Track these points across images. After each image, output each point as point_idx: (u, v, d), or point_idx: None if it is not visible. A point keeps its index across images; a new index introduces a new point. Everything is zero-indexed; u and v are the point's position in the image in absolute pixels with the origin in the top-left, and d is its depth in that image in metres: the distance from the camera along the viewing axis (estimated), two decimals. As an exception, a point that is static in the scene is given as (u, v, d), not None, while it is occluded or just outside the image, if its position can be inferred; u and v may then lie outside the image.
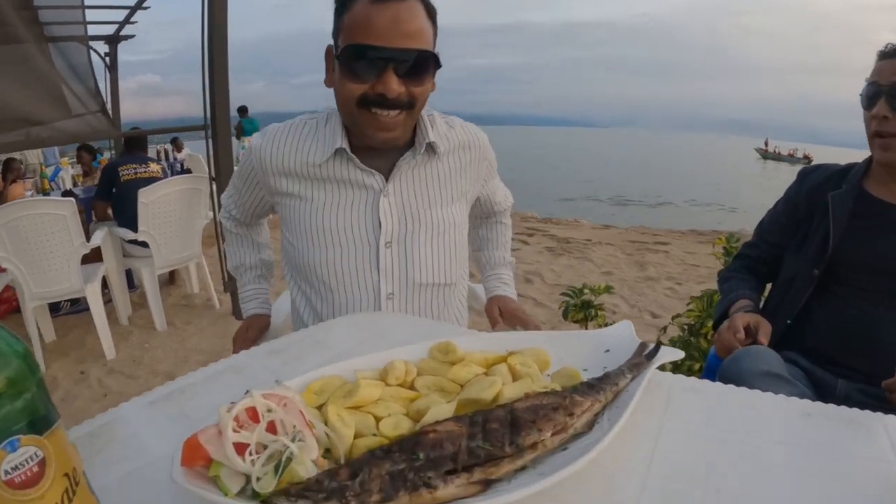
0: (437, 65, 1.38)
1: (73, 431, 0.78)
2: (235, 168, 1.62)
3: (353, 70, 1.32)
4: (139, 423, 0.84)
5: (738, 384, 1.30)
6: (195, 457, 0.61)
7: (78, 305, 5.23)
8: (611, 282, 5.57)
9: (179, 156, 11.68)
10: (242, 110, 13.56)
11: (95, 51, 6.51)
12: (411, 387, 0.86)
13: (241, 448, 0.59)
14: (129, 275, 5.45)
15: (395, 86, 1.31)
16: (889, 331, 1.62)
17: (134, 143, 5.55)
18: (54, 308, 4.99)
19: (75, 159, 9.59)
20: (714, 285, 2.96)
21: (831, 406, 0.88)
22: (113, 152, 10.00)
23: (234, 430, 0.60)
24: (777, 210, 1.98)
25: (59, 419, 0.50)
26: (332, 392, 0.80)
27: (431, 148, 1.51)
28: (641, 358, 0.91)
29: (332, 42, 1.41)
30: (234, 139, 11.71)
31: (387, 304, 1.49)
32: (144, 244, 4.74)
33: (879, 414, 0.85)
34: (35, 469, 0.46)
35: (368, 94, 1.33)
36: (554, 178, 29.77)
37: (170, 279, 6.10)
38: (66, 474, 0.49)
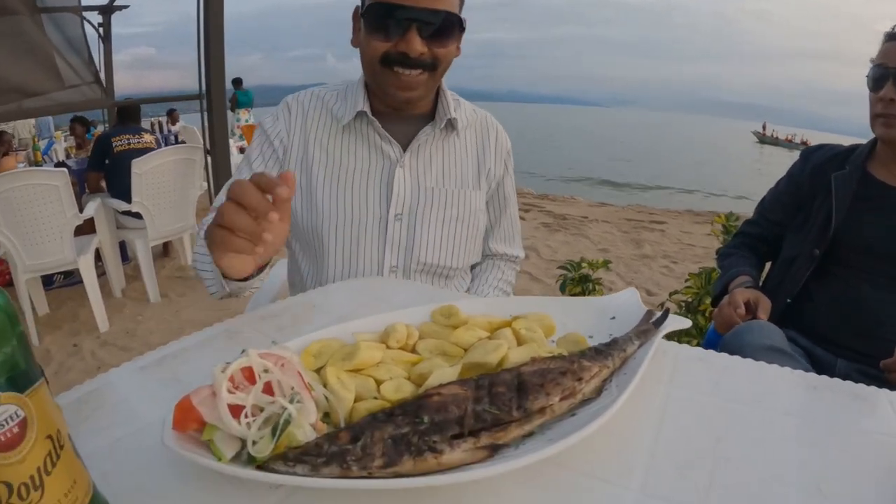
0: (461, 28, 1.38)
1: (60, 398, 0.75)
2: (245, 153, 1.53)
3: (377, 28, 1.33)
4: (129, 389, 0.81)
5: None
6: (187, 419, 0.58)
7: (71, 278, 5.19)
8: (607, 258, 5.58)
9: (174, 128, 11.58)
10: (237, 82, 13.45)
11: (89, 21, 6.41)
12: (413, 350, 0.83)
13: (236, 410, 0.57)
14: (123, 247, 5.41)
15: (417, 45, 1.31)
16: (888, 312, 1.64)
17: (127, 114, 5.48)
18: (47, 281, 4.96)
19: (69, 132, 9.50)
20: (711, 264, 2.94)
21: (836, 380, 0.87)
22: (106, 125, 9.90)
23: (229, 392, 0.57)
24: (779, 188, 1.97)
25: (43, 378, 0.47)
26: (331, 355, 0.77)
27: (451, 124, 1.51)
28: (649, 325, 0.88)
29: (358, 2, 1.42)
30: (228, 111, 11.58)
31: (388, 276, 1.47)
32: (138, 215, 4.70)
33: (885, 390, 0.84)
34: (15, 430, 0.43)
35: (391, 53, 1.34)
36: (552, 156, 29.69)
37: (164, 251, 6.08)
38: (50, 436, 0.46)
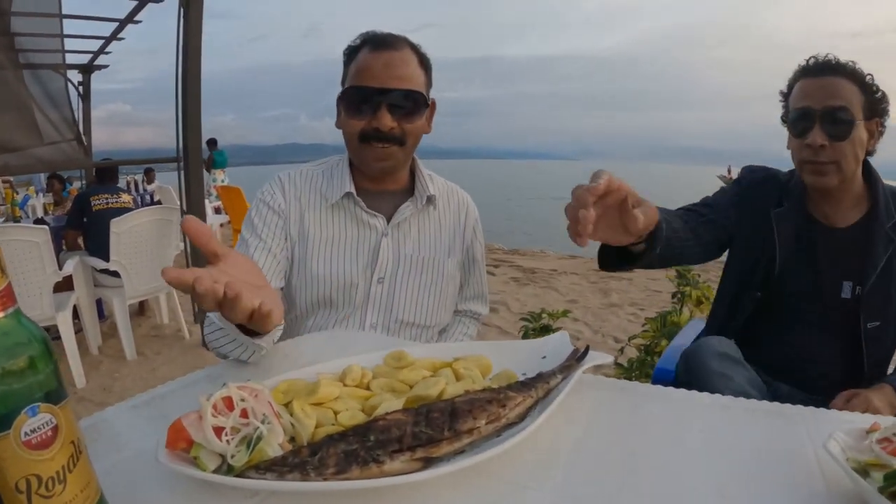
0: (427, 105, 1.60)
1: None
2: (247, 224, 1.63)
3: (353, 108, 1.56)
4: (122, 424, 0.93)
5: (699, 366, 1.47)
6: (178, 439, 0.71)
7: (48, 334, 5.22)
8: (575, 309, 5.72)
9: (150, 187, 11.66)
10: (212, 142, 13.57)
11: (69, 80, 6.57)
12: (367, 388, 0.96)
13: (218, 431, 0.70)
14: (99, 304, 5.46)
15: (387, 121, 1.53)
16: (820, 351, 1.70)
17: (105, 174, 5.61)
18: (24, 337, 4.97)
19: (44, 187, 9.57)
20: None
21: (752, 401, 0.98)
22: (84, 182, 9.99)
23: (213, 416, 0.70)
24: (720, 193, 1.88)
25: (68, 397, 0.60)
26: (297, 391, 0.90)
27: (430, 201, 1.70)
28: (572, 361, 1.02)
29: (341, 89, 1.62)
30: (204, 171, 11.70)
31: (368, 332, 1.63)
32: (115, 274, 4.78)
33: (800, 406, 0.94)
34: (48, 433, 0.56)
35: (366, 129, 1.55)
36: (522, 210, 30.00)
37: (140, 310, 6.12)
38: (73, 442, 0.59)
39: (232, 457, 0.69)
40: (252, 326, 0.98)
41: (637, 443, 0.85)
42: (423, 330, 1.70)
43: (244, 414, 0.73)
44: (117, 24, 6.94)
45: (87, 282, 4.96)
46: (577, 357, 1.03)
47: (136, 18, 6.70)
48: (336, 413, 0.85)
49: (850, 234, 1.68)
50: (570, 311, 3.37)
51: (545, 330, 3.19)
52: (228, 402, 0.73)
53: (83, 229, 5.23)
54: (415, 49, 1.60)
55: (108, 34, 7.47)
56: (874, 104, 1.62)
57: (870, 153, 1.67)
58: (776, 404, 0.96)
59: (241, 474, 0.69)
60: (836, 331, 1.70)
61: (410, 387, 0.95)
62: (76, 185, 10.07)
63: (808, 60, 1.67)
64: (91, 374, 4.56)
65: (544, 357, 1.09)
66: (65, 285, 4.54)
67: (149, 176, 13.24)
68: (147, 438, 0.83)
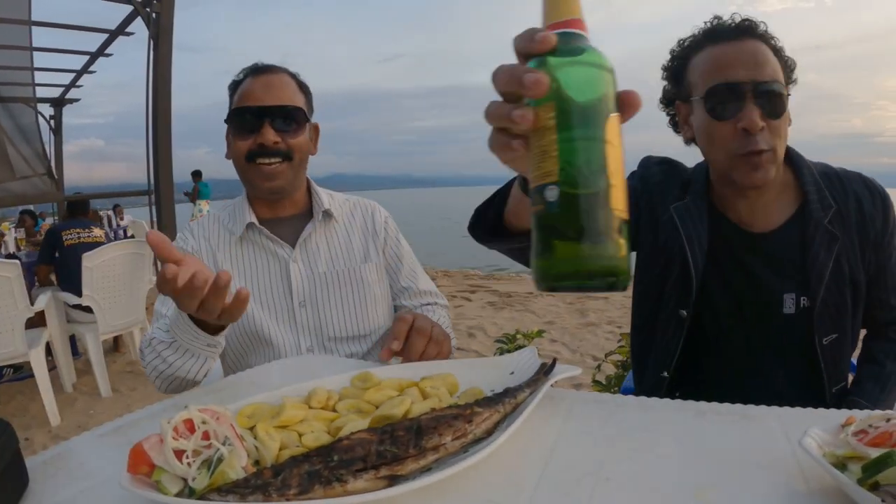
0: (307, 120, 1.66)
1: (28, 461, 0.86)
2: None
3: (239, 130, 1.62)
4: (88, 453, 0.92)
5: None
6: (139, 462, 0.71)
7: (21, 373, 5.14)
8: (552, 330, 5.73)
9: (122, 222, 11.57)
10: (197, 174, 13.52)
11: (40, 113, 6.56)
12: (333, 409, 0.97)
13: (179, 454, 0.70)
14: (73, 341, 5.38)
15: (271, 136, 1.58)
16: (779, 383, 1.43)
17: (77, 208, 5.57)
18: (-5, 375, 4.90)
19: (16, 223, 9.46)
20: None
21: (726, 404, 0.97)
22: (56, 217, 9.91)
23: (173, 438, 0.70)
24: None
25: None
26: (262, 415, 0.90)
27: (328, 214, 1.73)
28: (540, 375, 1.02)
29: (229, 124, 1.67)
30: (189, 203, 11.66)
31: (337, 357, 1.63)
32: (88, 310, 4.71)
33: (774, 407, 0.94)
34: None
35: (252, 148, 1.60)
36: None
37: (114, 346, 6.03)
38: None
39: (193, 479, 0.69)
40: (215, 320, 1.13)
41: (608, 452, 0.84)
42: (359, 340, 1.70)
43: (206, 436, 0.72)
44: (88, 57, 6.93)
45: (60, 317, 4.90)
46: (545, 371, 1.03)
47: (107, 52, 6.70)
48: (301, 435, 0.86)
49: (781, 239, 1.41)
50: (545, 332, 3.37)
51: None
52: (190, 425, 0.73)
53: (55, 264, 5.18)
54: (293, 75, 1.69)
55: (79, 67, 7.46)
56: (789, 73, 1.38)
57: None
58: (750, 406, 0.95)
59: (203, 497, 0.68)
60: (785, 351, 1.42)
61: (377, 407, 0.95)
62: (48, 221, 9.97)
63: (712, 22, 1.36)
64: (65, 412, 4.49)
65: (512, 373, 1.09)
66: (37, 321, 4.48)
67: (118, 212, 13.15)
68: (114, 466, 0.82)
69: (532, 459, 0.83)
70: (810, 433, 0.74)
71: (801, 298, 1.38)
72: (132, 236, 7.95)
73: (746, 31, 1.33)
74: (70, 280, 4.82)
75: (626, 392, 1.81)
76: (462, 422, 0.84)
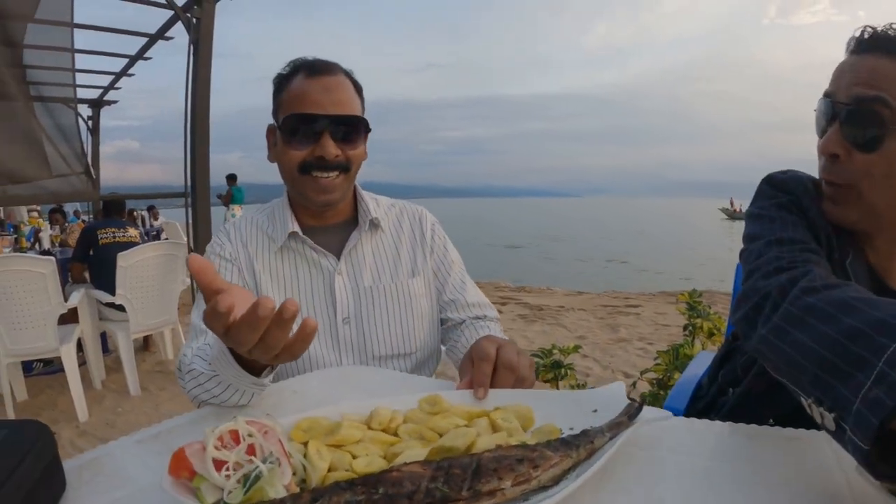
0: (367, 129, 1.54)
1: (63, 464, 0.83)
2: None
3: (293, 138, 1.47)
4: (126, 458, 0.90)
5: None
6: (180, 467, 0.69)
7: (51, 367, 5.21)
8: (584, 345, 5.66)
9: (156, 223, 11.71)
10: (231, 178, 13.51)
11: (79, 114, 6.65)
12: (395, 433, 0.91)
13: (219, 464, 0.67)
14: (104, 339, 5.43)
15: (332, 149, 1.45)
16: None
17: (113, 208, 5.62)
18: (26, 368, 4.97)
19: (48, 220, 9.62)
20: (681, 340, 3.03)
21: (777, 428, 0.93)
22: (90, 216, 10.06)
23: (216, 448, 0.68)
24: (785, 221, 1.19)
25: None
26: (318, 431, 0.87)
27: (374, 224, 1.63)
28: (623, 418, 0.90)
29: (271, 121, 1.56)
30: (223, 206, 11.77)
31: (382, 369, 1.55)
32: (121, 308, 4.76)
33: (823, 432, 0.88)
34: None
35: (308, 160, 1.47)
36: (528, 248, 30.13)
37: (144, 345, 6.08)
38: None
39: (228, 493, 0.67)
40: (269, 360, 0.89)
41: (661, 474, 0.81)
42: (403, 359, 1.62)
43: (251, 450, 0.70)
44: (128, 60, 7.02)
45: (93, 314, 4.95)
46: (630, 413, 0.92)
47: (146, 55, 6.78)
48: (354, 457, 0.82)
49: None
50: (580, 347, 3.31)
51: (556, 366, 3.14)
52: (235, 436, 0.70)
53: (89, 262, 5.23)
54: (348, 74, 1.55)
55: (118, 70, 7.57)
56: None
57: None
58: (801, 430, 0.91)
59: (234, 513, 0.66)
60: None
61: (440, 435, 0.89)
62: (81, 219, 10.13)
63: (863, 30, 1.13)
64: (94, 408, 4.52)
65: (595, 410, 0.98)
66: (69, 318, 4.52)
67: (153, 213, 13.25)
68: (153, 474, 0.80)
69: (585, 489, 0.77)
70: None
71: None
72: (166, 237, 8.03)
73: (875, 43, 1.10)
74: (103, 278, 4.87)
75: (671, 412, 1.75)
76: (527, 466, 0.76)
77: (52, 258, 4.20)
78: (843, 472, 0.79)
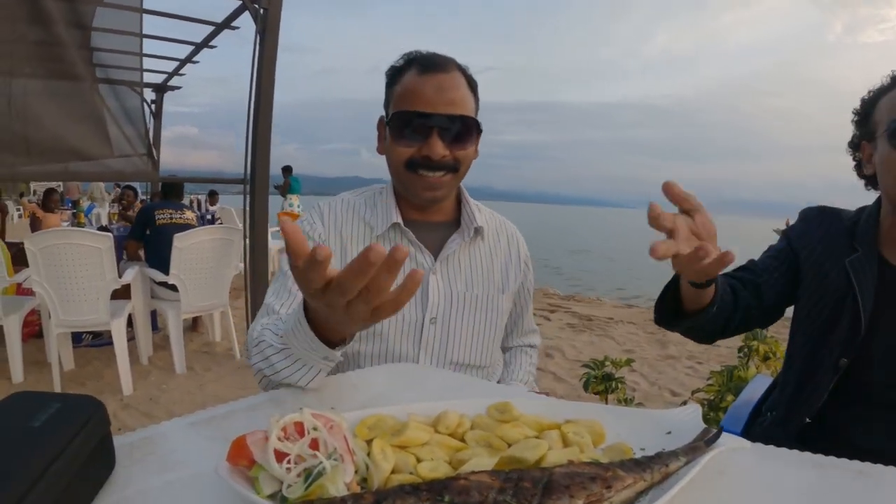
0: (479, 131, 1.50)
1: (115, 440, 0.81)
2: (283, 266, 1.53)
3: (402, 134, 1.46)
4: (178, 440, 0.87)
5: None
6: (240, 455, 0.66)
7: (99, 339, 5.34)
8: (631, 359, 5.56)
9: (212, 208, 11.92)
10: (288, 169, 13.66)
11: (143, 98, 6.78)
12: (462, 438, 0.87)
13: (281, 456, 0.64)
14: (153, 317, 5.53)
15: (439, 149, 1.43)
16: None
17: (171, 190, 5.73)
18: (75, 339, 5.11)
19: (117, 196, 9.85)
20: (735, 362, 2.94)
21: (843, 459, 0.88)
22: (147, 197, 10.29)
23: (279, 439, 0.64)
24: (773, 246, 1.71)
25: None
26: (384, 429, 0.83)
27: (478, 233, 1.61)
28: (700, 443, 0.86)
29: (383, 113, 1.55)
30: (280, 196, 11.97)
31: (443, 370, 1.53)
32: (173, 288, 4.86)
33: (891, 467, 0.86)
34: None
35: (415, 157, 1.46)
36: (580, 258, 29.94)
37: (193, 325, 6.20)
38: None
39: (288, 486, 0.63)
40: (367, 316, 0.85)
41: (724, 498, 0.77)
42: (477, 370, 1.61)
43: (314, 444, 0.66)
44: (193, 47, 7.13)
45: (145, 292, 5.06)
46: (707, 439, 0.87)
47: (212, 43, 6.88)
48: (419, 461, 0.78)
49: None
50: (632, 361, 3.24)
51: (607, 378, 3.08)
52: (300, 428, 0.67)
53: (145, 241, 5.33)
54: (463, 70, 1.52)
55: (183, 56, 7.69)
56: None
57: None
58: (867, 464, 0.87)
59: (291, 507, 0.62)
60: None
61: (509, 445, 0.85)
62: (142, 198, 10.37)
63: None
64: (139, 383, 4.61)
65: (669, 432, 0.93)
66: (122, 293, 4.62)
67: (213, 198, 13.49)
68: (205, 460, 0.77)
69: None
70: None
71: None
72: (220, 222, 8.14)
73: None
74: (157, 257, 4.96)
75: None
76: (599, 485, 0.71)
77: (110, 234, 4.29)
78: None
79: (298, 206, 12.69)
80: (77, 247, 4.07)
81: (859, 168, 1.58)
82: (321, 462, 0.64)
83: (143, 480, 0.75)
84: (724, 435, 0.89)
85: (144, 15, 5.48)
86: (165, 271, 4.74)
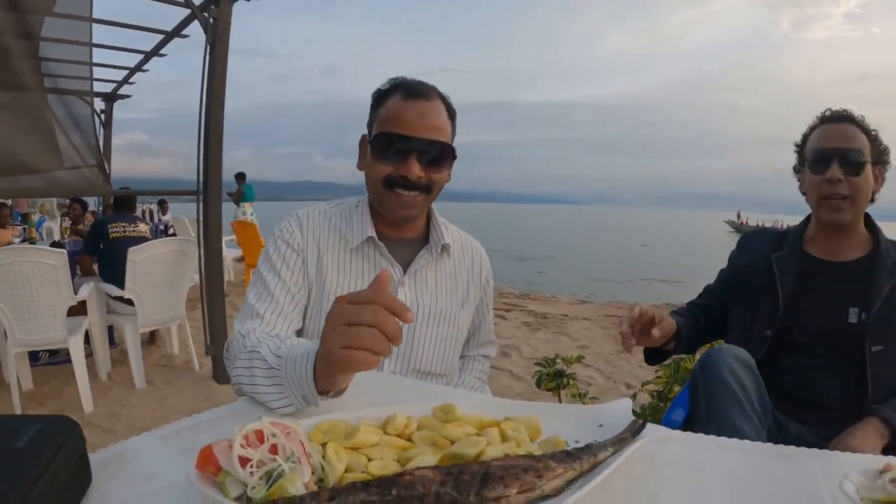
0: (454, 157, 1.62)
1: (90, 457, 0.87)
2: (265, 260, 1.62)
3: (383, 154, 1.55)
4: (150, 454, 0.94)
5: (717, 368, 1.63)
6: (207, 463, 0.73)
7: (56, 357, 5.26)
8: (587, 354, 5.69)
9: (164, 217, 11.74)
10: (241, 176, 13.39)
11: (93, 108, 6.68)
12: (409, 438, 0.95)
13: (244, 461, 0.72)
14: (110, 331, 5.48)
15: (416, 170, 1.53)
16: (831, 385, 1.79)
17: (124, 202, 5.67)
18: (32, 357, 5.02)
19: (66, 211, 9.65)
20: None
21: (769, 444, 1.00)
22: (100, 208, 10.11)
23: (242, 446, 0.72)
24: (722, 273, 2.19)
25: None
26: (337, 433, 0.91)
27: (445, 249, 1.71)
28: (627, 434, 0.95)
29: (366, 132, 1.65)
30: (233, 204, 11.78)
31: (407, 378, 1.62)
32: (129, 302, 4.81)
33: (814, 450, 0.97)
34: None
35: (393, 176, 1.55)
36: (534, 256, 30.16)
37: (150, 339, 6.14)
38: None
39: (252, 488, 0.71)
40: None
41: (658, 490, 0.86)
42: (437, 379, 1.70)
43: (273, 450, 0.74)
44: (143, 55, 7.07)
45: (101, 308, 5.01)
46: (633, 430, 0.97)
47: (162, 52, 6.83)
48: (369, 460, 0.85)
49: (856, 266, 1.87)
50: (583, 357, 3.35)
51: (559, 375, 3.18)
52: (260, 436, 0.75)
53: (98, 255, 5.29)
54: (444, 100, 1.63)
55: (132, 65, 7.62)
56: (879, 153, 1.86)
57: (873, 200, 1.88)
58: (791, 448, 0.98)
59: (255, 507, 0.70)
60: (841, 356, 1.80)
61: (452, 443, 0.93)
62: (89, 211, 10.18)
63: (825, 112, 1.91)
64: (99, 400, 4.56)
65: (601, 425, 1.02)
66: (77, 310, 4.56)
67: (163, 207, 13.28)
68: (176, 470, 0.82)
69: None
70: (850, 477, 0.78)
71: (862, 313, 1.80)
72: (173, 232, 8.07)
73: (842, 117, 1.86)
74: (112, 272, 4.92)
75: (666, 426, 1.89)
76: (532, 475, 0.79)
77: (64, 251, 4.25)
78: (829, 490, 0.84)
79: (252, 215, 12.47)
80: (33, 264, 4.03)
81: (801, 187, 1.99)
82: (280, 465, 0.72)
83: (118, 494, 0.81)
84: (650, 426, 0.98)
85: (94, 24, 5.43)
86: (120, 285, 4.70)
